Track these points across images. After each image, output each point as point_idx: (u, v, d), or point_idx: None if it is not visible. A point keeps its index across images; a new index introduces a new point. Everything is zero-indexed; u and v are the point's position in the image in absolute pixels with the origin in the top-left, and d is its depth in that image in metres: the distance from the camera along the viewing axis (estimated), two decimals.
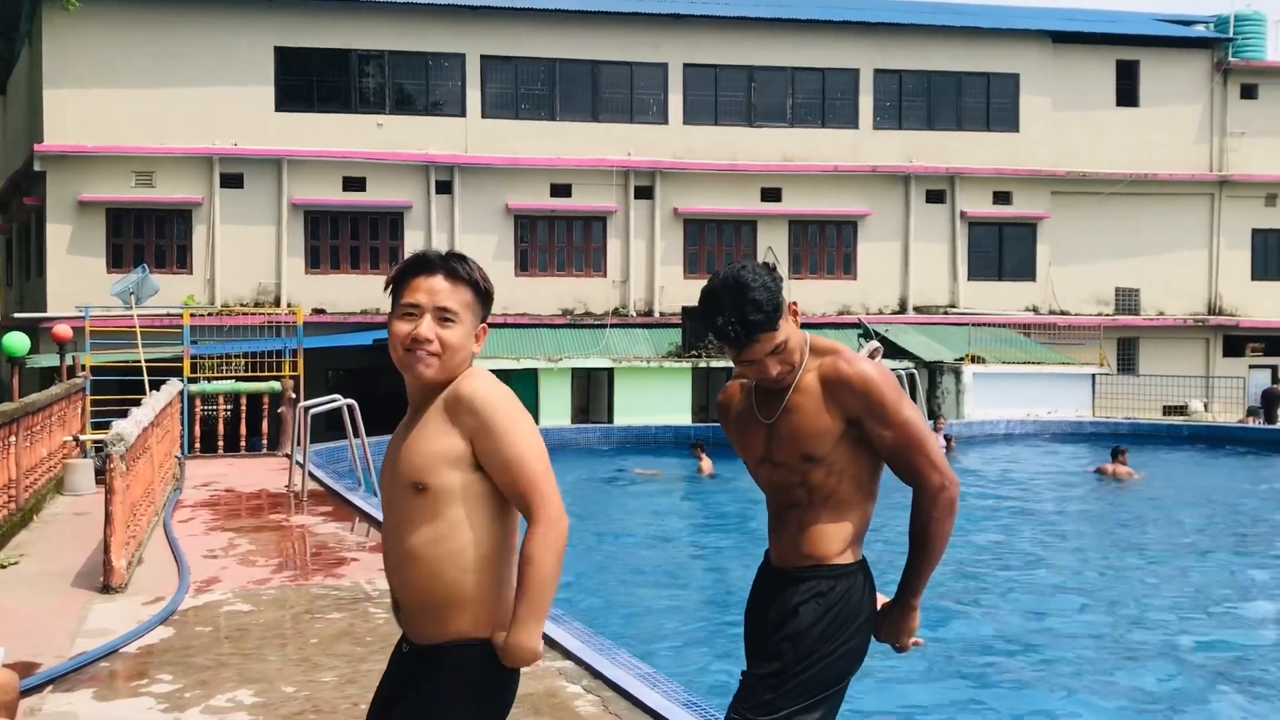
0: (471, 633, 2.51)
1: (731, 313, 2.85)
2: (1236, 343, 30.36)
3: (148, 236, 25.41)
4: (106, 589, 7.43)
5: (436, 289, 2.54)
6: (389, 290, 2.61)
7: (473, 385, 2.51)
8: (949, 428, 20.29)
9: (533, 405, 21.84)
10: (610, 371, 22.34)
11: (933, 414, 22.24)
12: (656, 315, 26.84)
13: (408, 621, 2.60)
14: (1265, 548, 11.74)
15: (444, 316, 2.53)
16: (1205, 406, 27.06)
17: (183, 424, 15.14)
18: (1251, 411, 25.92)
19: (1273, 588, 9.76)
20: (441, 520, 2.48)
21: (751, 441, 3.04)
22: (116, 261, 24.92)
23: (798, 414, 2.93)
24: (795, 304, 2.97)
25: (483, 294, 2.61)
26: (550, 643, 6.08)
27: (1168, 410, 26.41)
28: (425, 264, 2.57)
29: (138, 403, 11.02)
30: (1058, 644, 7.80)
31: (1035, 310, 28.99)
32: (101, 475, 9.98)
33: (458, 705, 2.51)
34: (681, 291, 26.79)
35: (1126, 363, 29.25)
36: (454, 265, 2.58)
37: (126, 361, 16.96)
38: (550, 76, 26.97)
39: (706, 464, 16.13)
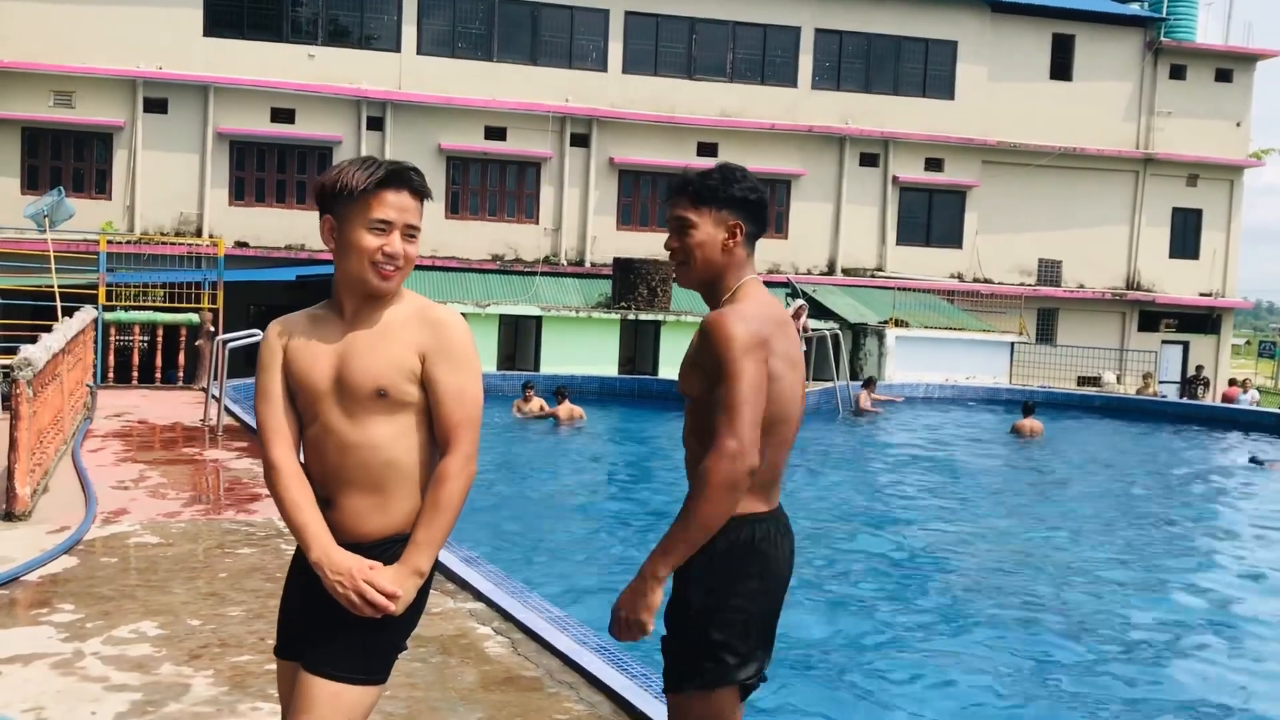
0: (408, 529, 2.58)
1: (698, 170, 2.89)
2: (1151, 318, 31.20)
3: (65, 158, 24.64)
4: (9, 517, 7.27)
5: (406, 206, 2.56)
6: (349, 193, 2.53)
7: (445, 312, 2.62)
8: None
9: None
10: (539, 320, 22.24)
11: (855, 375, 22.56)
12: (588, 265, 26.74)
13: (345, 521, 2.56)
14: (1154, 512, 12.16)
15: (409, 233, 2.58)
16: (1118, 379, 27.79)
17: (96, 353, 14.77)
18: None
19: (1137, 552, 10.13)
20: (399, 418, 2.55)
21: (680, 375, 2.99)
22: (32, 183, 24.17)
23: (687, 351, 2.85)
24: (739, 227, 2.83)
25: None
26: (462, 585, 6.09)
27: (1082, 381, 27.09)
28: (400, 179, 2.57)
29: (49, 329, 10.72)
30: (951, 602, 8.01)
31: (960, 277, 29.45)
32: (8, 401, 9.71)
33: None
34: (614, 242, 26.72)
35: (1045, 332, 29.90)
36: (419, 183, 2.61)
37: (39, 286, 16.48)
38: (489, 16, 26.52)
39: (563, 410, 15.94)
